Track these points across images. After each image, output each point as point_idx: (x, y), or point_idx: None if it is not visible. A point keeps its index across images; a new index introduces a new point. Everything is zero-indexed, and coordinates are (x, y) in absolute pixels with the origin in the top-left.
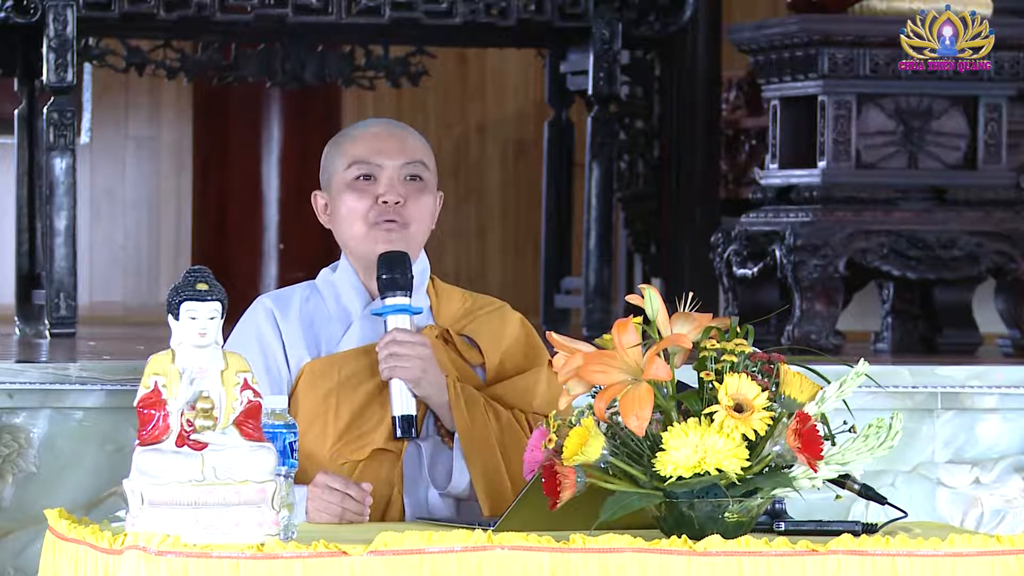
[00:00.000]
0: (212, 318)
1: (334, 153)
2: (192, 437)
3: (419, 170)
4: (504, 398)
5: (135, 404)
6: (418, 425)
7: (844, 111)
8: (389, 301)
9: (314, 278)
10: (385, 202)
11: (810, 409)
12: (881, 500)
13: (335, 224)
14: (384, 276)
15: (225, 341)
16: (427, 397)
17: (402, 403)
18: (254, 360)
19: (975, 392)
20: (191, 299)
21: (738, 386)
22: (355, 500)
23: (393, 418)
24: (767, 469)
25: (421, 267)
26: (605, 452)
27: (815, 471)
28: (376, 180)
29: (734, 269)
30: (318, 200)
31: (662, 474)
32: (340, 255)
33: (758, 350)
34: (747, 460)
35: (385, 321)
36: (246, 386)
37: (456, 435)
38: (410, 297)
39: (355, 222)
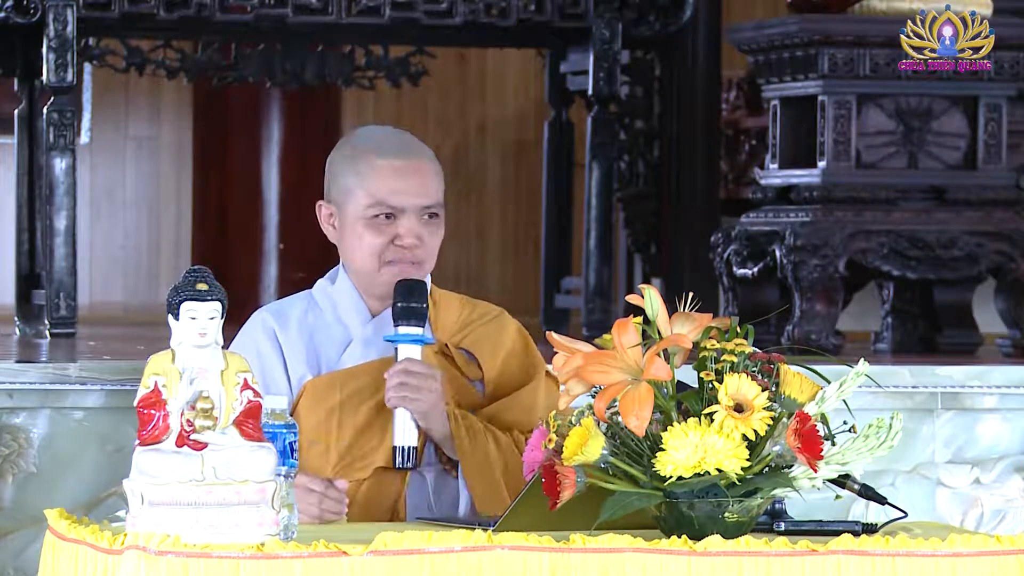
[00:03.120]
0: (212, 318)
1: (350, 176)
2: (192, 437)
3: (436, 210)
4: (505, 416)
5: (135, 404)
6: (419, 455)
7: (844, 111)
8: (403, 330)
9: (313, 280)
10: (402, 245)
11: (810, 409)
12: (881, 500)
13: (344, 244)
14: (400, 304)
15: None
16: (430, 429)
17: (404, 434)
18: None
19: (975, 392)
20: (191, 299)
21: (738, 386)
22: (333, 500)
23: (394, 448)
24: (767, 469)
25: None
26: (605, 452)
27: (815, 471)
28: (395, 220)
29: (734, 269)
30: (323, 210)
31: (662, 474)
32: (339, 258)
33: (758, 350)
34: (747, 460)
35: (396, 349)
36: (246, 386)
37: (460, 466)
38: (423, 327)
39: (369, 257)
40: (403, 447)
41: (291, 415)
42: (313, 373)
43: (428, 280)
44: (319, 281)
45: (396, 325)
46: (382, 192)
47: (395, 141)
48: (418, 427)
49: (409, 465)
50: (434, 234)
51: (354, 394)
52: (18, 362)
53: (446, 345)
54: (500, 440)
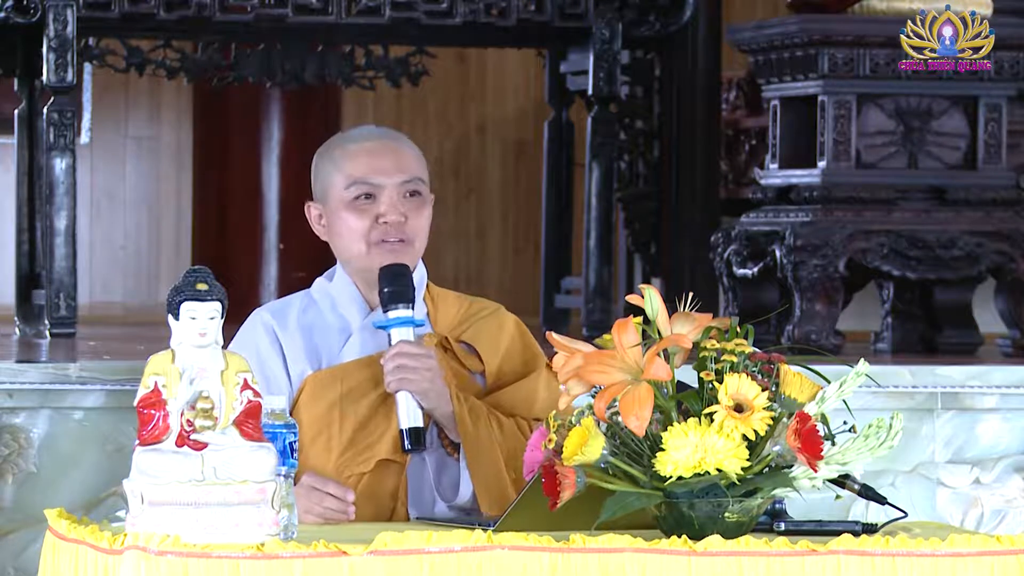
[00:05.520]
0: (212, 318)
1: (328, 167)
2: (192, 437)
3: (417, 186)
4: (504, 405)
5: (135, 404)
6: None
7: (844, 111)
8: (392, 314)
9: (313, 280)
10: (386, 222)
11: (810, 409)
12: (881, 500)
13: (333, 239)
14: (386, 289)
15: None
16: (432, 409)
17: (409, 415)
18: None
19: (975, 392)
20: (191, 299)
21: (738, 386)
22: (336, 499)
23: (401, 431)
24: (767, 469)
25: (419, 276)
26: (605, 452)
27: (815, 471)
28: (376, 199)
29: (734, 269)
30: (312, 211)
31: (662, 474)
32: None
33: (758, 350)
34: (747, 460)
35: (389, 334)
36: (246, 386)
37: (461, 447)
38: (412, 309)
39: (356, 241)
40: (409, 428)
41: (292, 411)
42: (313, 368)
43: (424, 270)
44: (317, 280)
45: (384, 311)
46: (359, 171)
47: (368, 130)
48: (422, 408)
49: (417, 447)
50: (419, 213)
51: (355, 388)
52: (18, 362)
53: (446, 339)
54: (504, 424)
